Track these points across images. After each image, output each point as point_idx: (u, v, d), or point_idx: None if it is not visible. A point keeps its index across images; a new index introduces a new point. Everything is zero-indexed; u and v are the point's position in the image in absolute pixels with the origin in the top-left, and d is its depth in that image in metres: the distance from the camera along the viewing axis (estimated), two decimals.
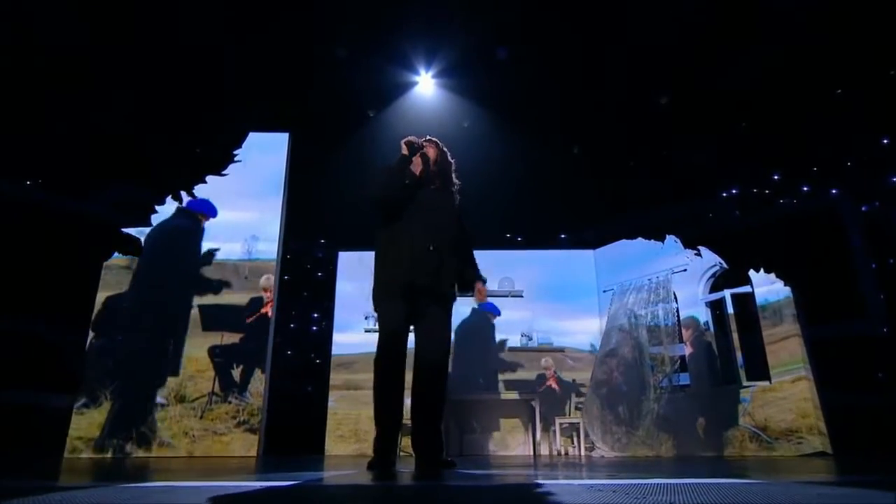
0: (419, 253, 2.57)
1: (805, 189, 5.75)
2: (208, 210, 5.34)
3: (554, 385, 6.16)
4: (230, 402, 4.88)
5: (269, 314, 5.34)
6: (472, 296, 2.83)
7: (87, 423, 4.65)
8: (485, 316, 6.44)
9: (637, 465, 3.19)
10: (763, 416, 4.86)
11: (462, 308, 6.22)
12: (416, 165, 2.78)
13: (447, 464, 2.58)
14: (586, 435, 5.70)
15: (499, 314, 6.47)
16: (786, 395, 4.86)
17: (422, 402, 2.59)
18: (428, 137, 2.92)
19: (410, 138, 2.79)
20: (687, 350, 5.55)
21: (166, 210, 5.55)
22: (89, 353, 4.89)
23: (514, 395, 6.04)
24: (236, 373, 5.00)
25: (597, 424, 5.65)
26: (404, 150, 2.75)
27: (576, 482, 1.78)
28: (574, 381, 6.17)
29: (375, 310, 2.65)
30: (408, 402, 2.63)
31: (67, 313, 5.28)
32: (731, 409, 5.05)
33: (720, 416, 5.12)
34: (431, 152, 2.83)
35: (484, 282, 2.83)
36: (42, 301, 5.29)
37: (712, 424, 5.16)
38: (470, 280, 2.81)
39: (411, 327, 2.65)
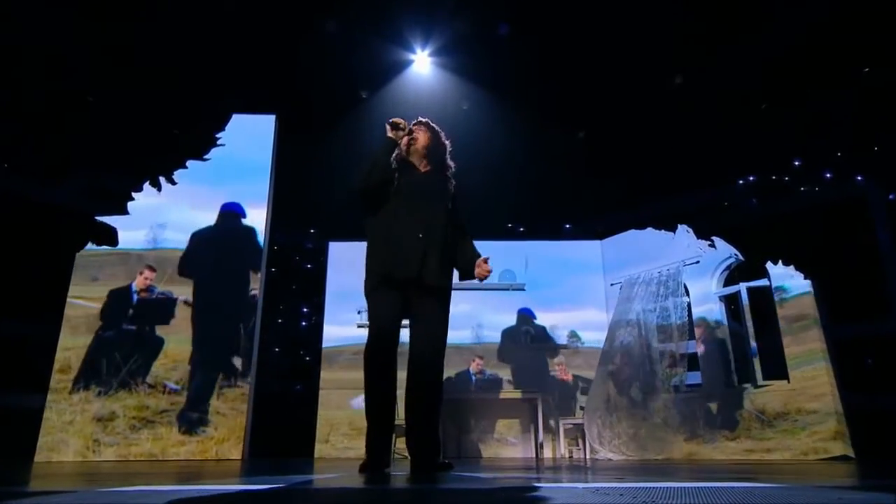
0: (405, 241, 2.56)
1: (828, 176, 5.75)
2: (240, 210, 5.70)
3: (566, 377, 6.20)
4: (240, 386, 5.14)
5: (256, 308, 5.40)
6: (474, 278, 2.80)
7: (120, 405, 4.95)
8: (527, 320, 6.48)
9: (645, 467, 3.20)
10: (762, 402, 5.07)
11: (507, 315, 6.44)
12: (404, 147, 2.76)
13: (444, 466, 2.59)
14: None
15: (535, 318, 6.51)
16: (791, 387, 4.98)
17: (416, 402, 2.59)
18: (419, 119, 2.89)
19: (395, 119, 2.76)
20: (698, 347, 5.56)
21: (152, 200, 5.53)
22: (97, 344, 5.10)
23: (515, 394, 6.05)
24: (238, 360, 5.27)
25: (598, 424, 5.67)
26: (389, 133, 2.73)
27: (579, 485, 1.79)
28: (579, 378, 6.20)
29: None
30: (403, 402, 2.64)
31: (36, 308, 5.27)
32: (738, 399, 5.24)
33: (729, 406, 5.27)
34: (422, 136, 2.80)
35: (485, 260, 2.78)
36: (8, 295, 5.27)
37: (723, 409, 5.30)
38: (467, 266, 2.78)
39: (404, 322, 2.65)
